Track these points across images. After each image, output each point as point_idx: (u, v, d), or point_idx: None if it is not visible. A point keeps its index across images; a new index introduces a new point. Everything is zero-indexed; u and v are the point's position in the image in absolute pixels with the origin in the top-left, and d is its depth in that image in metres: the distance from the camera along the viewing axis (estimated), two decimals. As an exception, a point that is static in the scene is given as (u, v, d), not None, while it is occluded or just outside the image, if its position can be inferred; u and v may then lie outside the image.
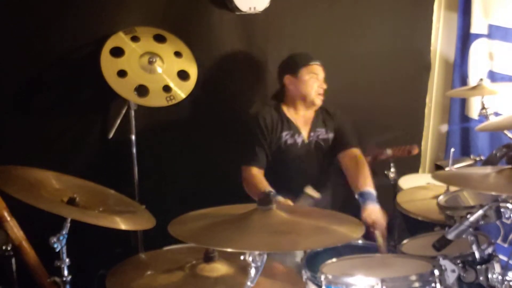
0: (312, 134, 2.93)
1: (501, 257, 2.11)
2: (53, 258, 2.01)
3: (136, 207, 2.31)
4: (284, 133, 2.87)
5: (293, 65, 2.90)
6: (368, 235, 2.48)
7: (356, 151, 2.93)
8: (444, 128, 3.74)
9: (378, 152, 3.09)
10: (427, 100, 3.76)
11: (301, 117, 2.94)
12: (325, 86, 2.90)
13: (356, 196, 2.74)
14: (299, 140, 2.90)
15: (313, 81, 2.87)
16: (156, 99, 2.74)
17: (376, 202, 2.69)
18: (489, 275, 1.94)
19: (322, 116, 2.97)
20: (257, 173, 2.79)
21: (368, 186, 2.74)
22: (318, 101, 2.90)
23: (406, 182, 3.12)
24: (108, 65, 2.68)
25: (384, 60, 3.50)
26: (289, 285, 2.02)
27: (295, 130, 2.90)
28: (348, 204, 2.78)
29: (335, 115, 2.99)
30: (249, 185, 2.76)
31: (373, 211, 2.63)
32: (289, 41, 3.22)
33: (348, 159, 2.91)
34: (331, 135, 2.96)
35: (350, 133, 2.99)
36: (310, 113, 2.96)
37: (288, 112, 2.92)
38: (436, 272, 1.96)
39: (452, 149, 2.74)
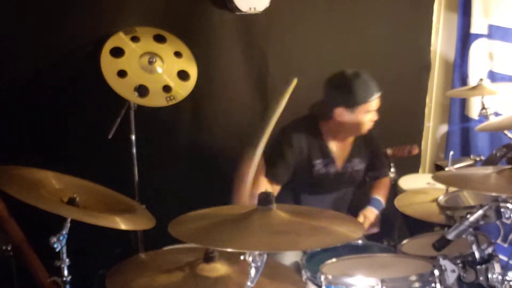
0: (347, 164, 2.70)
1: (501, 257, 2.12)
2: (53, 258, 2.01)
3: (136, 207, 2.31)
4: (317, 161, 2.61)
5: (351, 101, 2.51)
6: None
7: (386, 180, 2.92)
8: (443, 130, 3.74)
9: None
10: (427, 100, 3.76)
11: (340, 143, 2.68)
12: (376, 118, 2.61)
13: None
14: (332, 170, 2.66)
15: (368, 117, 2.57)
16: (156, 99, 2.74)
17: (379, 210, 2.73)
18: (489, 275, 1.94)
19: (359, 143, 2.73)
20: (266, 183, 2.49)
21: (381, 196, 2.79)
22: (366, 131, 2.63)
23: (406, 182, 3.12)
24: (108, 65, 2.68)
25: (384, 60, 3.50)
26: (289, 285, 2.02)
27: (330, 159, 2.64)
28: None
29: (372, 140, 2.76)
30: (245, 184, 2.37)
31: (371, 212, 2.69)
32: (289, 41, 3.23)
33: (376, 183, 2.91)
34: (363, 165, 2.77)
35: (383, 160, 2.92)
36: (349, 140, 2.70)
37: (326, 135, 2.64)
38: (436, 272, 1.97)
39: (452, 152, 2.74)
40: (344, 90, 2.53)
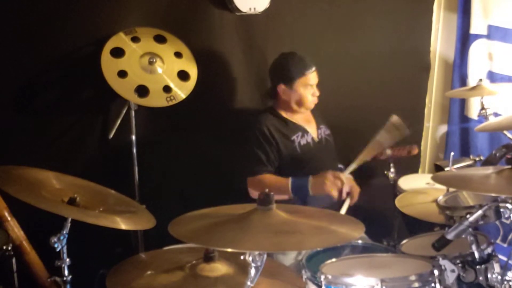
0: (319, 131, 2.95)
1: (501, 257, 2.12)
2: (54, 257, 2.02)
3: (136, 207, 2.32)
4: (294, 136, 2.83)
5: (288, 76, 2.80)
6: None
7: None
8: (442, 130, 3.75)
9: (378, 152, 3.09)
10: (427, 100, 3.77)
11: (301, 117, 2.92)
12: (318, 94, 2.86)
13: None
14: (309, 140, 2.88)
15: (308, 91, 2.83)
16: (157, 99, 2.74)
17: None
18: (489, 275, 1.95)
19: (316, 115, 2.99)
20: (273, 176, 2.74)
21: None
22: (312, 106, 2.89)
23: (406, 182, 3.12)
24: (109, 66, 2.68)
25: (384, 61, 3.51)
26: (289, 285, 2.02)
27: (302, 131, 2.88)
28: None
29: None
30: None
31: (349, 179, 2.79)
32: (289, 41, 3.23)
33: None
34: (329, 132, 3.00)
35: None
36: (307, 112, 2.96)
37: (286, 114, 2.89)
38: (436, 272, 1.97)
39: (452, 153, 2.75)
40: (281, 68, 2.84)
